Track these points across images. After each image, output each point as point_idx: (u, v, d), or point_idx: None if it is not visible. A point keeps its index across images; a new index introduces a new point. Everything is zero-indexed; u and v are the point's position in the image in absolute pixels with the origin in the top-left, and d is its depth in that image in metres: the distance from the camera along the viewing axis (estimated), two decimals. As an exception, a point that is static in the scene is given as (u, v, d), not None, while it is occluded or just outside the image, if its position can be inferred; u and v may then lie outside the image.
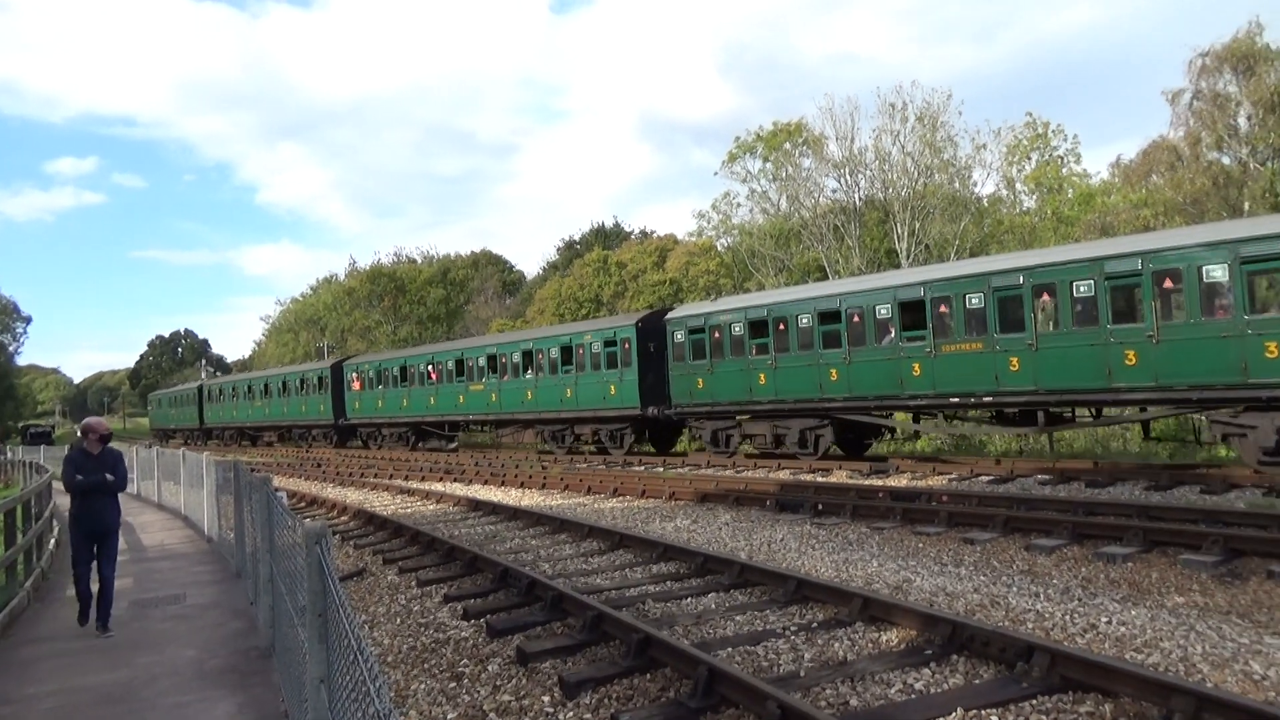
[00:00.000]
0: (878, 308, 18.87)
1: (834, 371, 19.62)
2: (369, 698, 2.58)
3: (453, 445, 35.53)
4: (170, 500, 18.75)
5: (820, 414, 20.26)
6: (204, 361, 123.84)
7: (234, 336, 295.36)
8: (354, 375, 39.20)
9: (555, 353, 27.62)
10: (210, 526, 13.52)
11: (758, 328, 21.52)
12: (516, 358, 29.45)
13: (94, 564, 8.28)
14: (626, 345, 24.97)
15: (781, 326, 20.89)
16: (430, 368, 33.83)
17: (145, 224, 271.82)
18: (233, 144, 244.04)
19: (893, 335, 18.61)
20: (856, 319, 19.31)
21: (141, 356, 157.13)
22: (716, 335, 22.41)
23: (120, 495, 8.83)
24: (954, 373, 17.62)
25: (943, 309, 17.84)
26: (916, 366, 18.13)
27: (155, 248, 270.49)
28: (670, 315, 24.43)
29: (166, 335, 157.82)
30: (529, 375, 28.75)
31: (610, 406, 25.40)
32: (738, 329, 21.90)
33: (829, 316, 19.93)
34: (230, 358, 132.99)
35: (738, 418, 22.36)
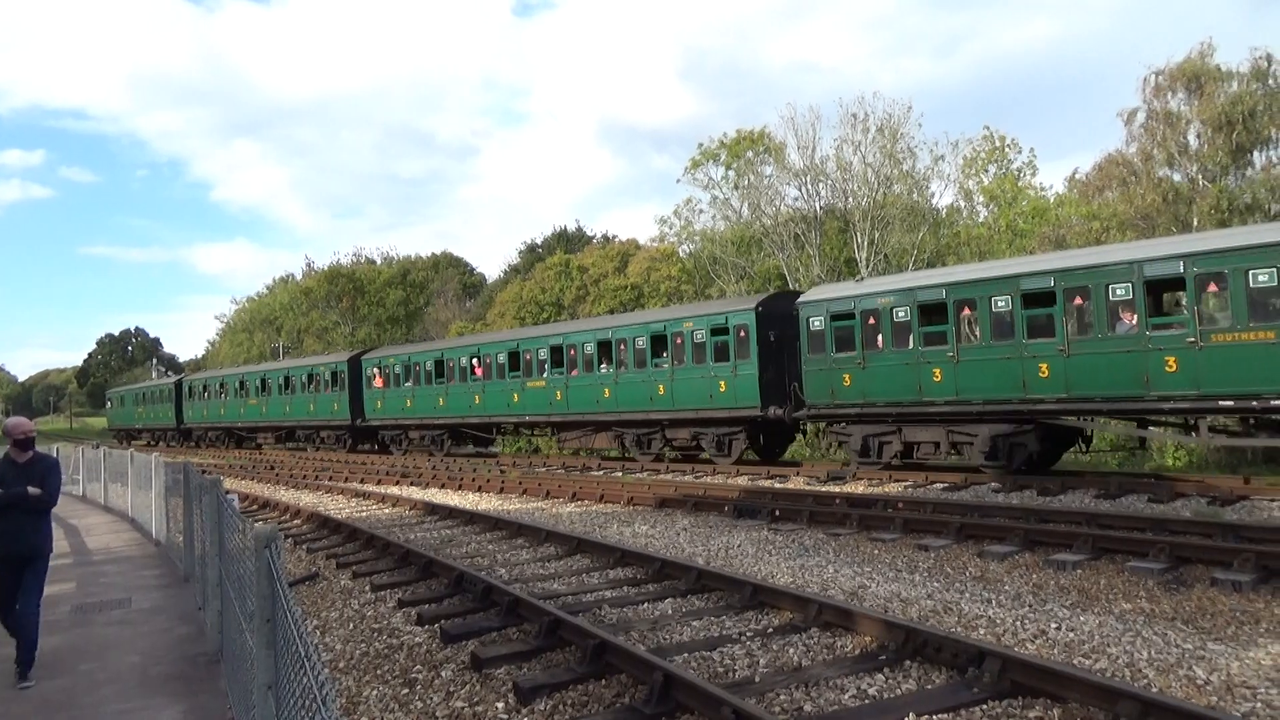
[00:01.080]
0: (1112, 287, 15.22)
1: (1044, 367, 16.04)
2: (318, 705, 2.52)
3: (493, 450, 32.61)
4: (117, 502, 18.34)
5: (1022, 419, 16.77)
6: (155, 361, 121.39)
7: (186, 336, 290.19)
8: (375, 371, 34.76)
9: (643, 342, 23.58)
10: (158, 529, 13.23)
11: (931, 312, 17.94)
12: (589, 348, 25.02)
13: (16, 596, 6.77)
14: (743, 333, 21.06)
15: (967, 310, 17.37)
16: (474, 361, 29.68)
17: (95, 220, 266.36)
18: (187, 140, 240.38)
19: (1133, 321, 15.11)
20: (1079, 301, 15.75)
21: (90, 355, 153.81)
22: (872, 322, 18.63)
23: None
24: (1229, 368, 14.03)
25: (1212, 286, 14.39)
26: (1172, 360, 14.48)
27: (105, 244, 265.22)
28: (805, 299, 20.48)
29: (116, 333, 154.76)
30: (605, 369, 24.56)
31: (719, 406, 21.61)
32: (902, 314, 18.12)
33: (1038, 299, 16.29)
34: (183, 357, 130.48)
35: (898, 422, 18.62)
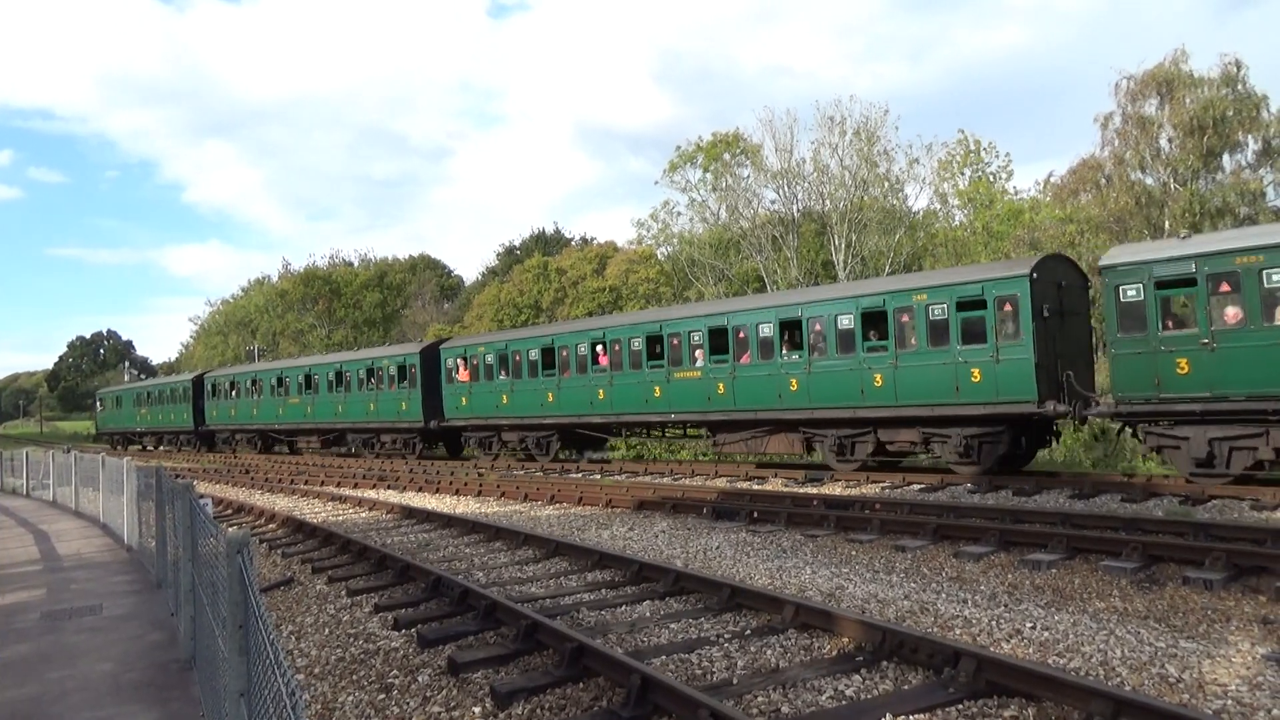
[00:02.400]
0: None
1: None
2: (288, 712, 2.50)
3: (607, 454, 28.44)
4: (88, 507, 18.09)
5: None
6: (127, 363, 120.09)
7: (160, 338, 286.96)
8: (458, 362, 29.14)
9: (849, 320, 18.72)
10: (130, 534, 13.06)
11: None
12: (767, 329, 20.17)
13: None
14: (1008, 306, 16.65)
15: None
16: (599, 349, 24.53)
17: (64, 221, 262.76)
18: (157, 140, 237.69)
19: None
20: None
21: (61, 358, 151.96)
22: (1225, 288, 14.30)
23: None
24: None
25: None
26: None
27: (75, 245, 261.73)
28: (1112, 259, 15.53)
29: (88, 336, 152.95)
30: (790, 356, 19.71)
31: (969, 401, 16.91)
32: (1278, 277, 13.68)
33: None
34: (155, 360, 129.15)
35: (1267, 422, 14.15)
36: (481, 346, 28.65)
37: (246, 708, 3.70)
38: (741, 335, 20.89)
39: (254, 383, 40.88)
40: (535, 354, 26.38)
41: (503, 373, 27.40)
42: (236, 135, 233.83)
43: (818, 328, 19.36)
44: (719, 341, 21.34)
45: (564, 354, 25.60)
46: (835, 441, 19.30)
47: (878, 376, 18.21)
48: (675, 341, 22.40)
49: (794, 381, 19.57)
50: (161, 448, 52.57)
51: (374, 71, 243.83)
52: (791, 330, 20.09)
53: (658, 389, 22.62)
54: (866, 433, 18.88)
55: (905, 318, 18.04)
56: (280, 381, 38.80)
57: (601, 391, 24.18)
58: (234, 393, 42.49)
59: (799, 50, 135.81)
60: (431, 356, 30.43)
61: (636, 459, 28.31)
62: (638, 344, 23.30)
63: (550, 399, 25.78)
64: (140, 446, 54.82)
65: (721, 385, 21.09)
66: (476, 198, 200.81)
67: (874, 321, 18.67)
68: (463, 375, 28.89)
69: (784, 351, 19.92)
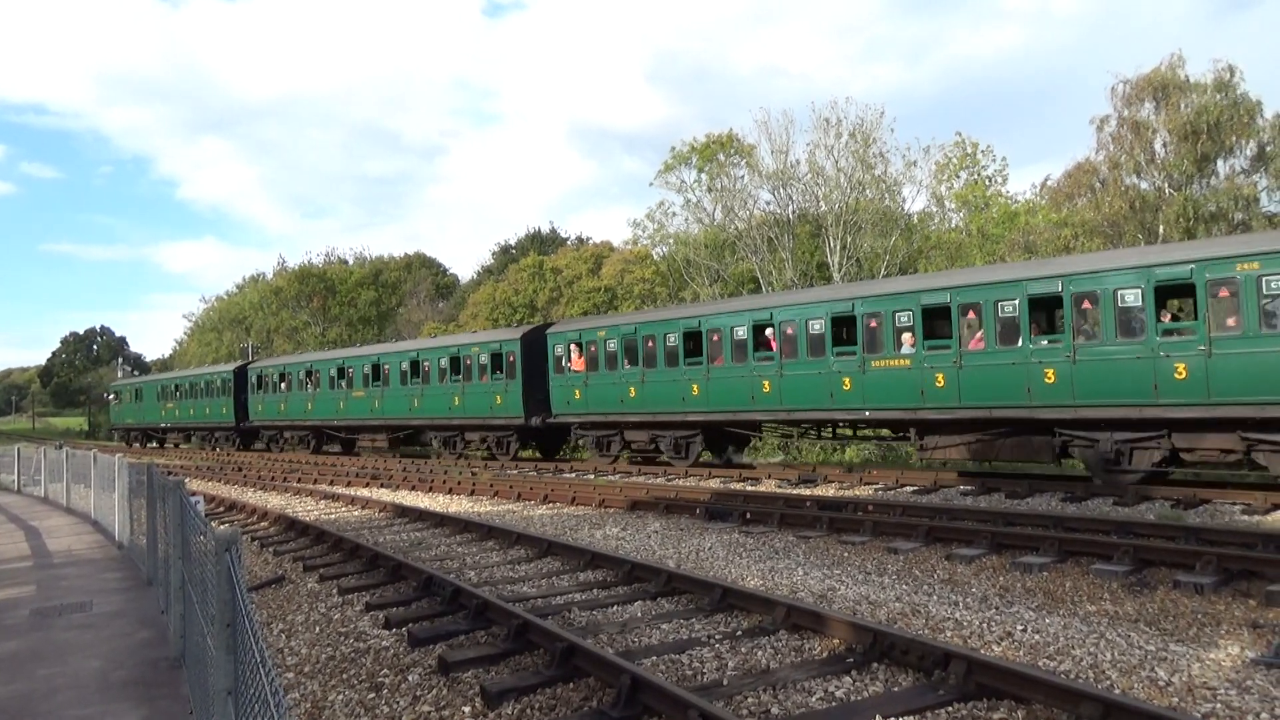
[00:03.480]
0: None
1: None
2: (273, 712, 2.49)
3: (748, 461, 24.10)
4: (80, 504, 18.03)
5: None
6: (121, 360, 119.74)
7: (153, 335, 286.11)
8: (569, 349, 24.95)
9: (1134, 297, 14.48)
10: (121, 532, 13.02)
11: None
12: (1010, 309, 16.03)
13: None
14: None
15: None
16: (769, 333, 20.16)
17: (57, 216, 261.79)
18: (152, 137, 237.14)
19: None
20: None
21: (54, 354, 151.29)
22: None
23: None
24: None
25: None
26: None
27: (68, 241, 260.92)
28: None
29: (81, 332, 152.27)
30: (1043, 341, 15.75)
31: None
32: None
33: None
34: (149, 356, 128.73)
35: None
36: (601, 331, 24.24)
37: (234, 706, 3.68)
38: (971, 315, 16.74)
39: (309, 374, 36.41)
40: (674, 339, 22.09)
41: (628, 361, 23.19)
42: (232, 132, 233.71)
43: (1087, 305, 15.22)
44: (937, 324, 17.39)
45: (714, 339, 21.26)
46: (1110, 446, 15.11)
47: (1180, 366, 13.89)
48: (874, 324, 18.17)
49: (1050, 372, 15.38)
50: (185, 445, 49.23)
51: (369, 70, 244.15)
52: (1045, 309, 16.84)
53: (847, 381, 18.48)
54: (1156, 436, 14.67)
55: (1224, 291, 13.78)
56: (341, 373, 34.24)
57: (767, 384, 19.93)
58: (283, 385, 37.92)
59: (795, 51, 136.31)
60: (534, 343, 26.22)
61: (787, 464, 23.61)
62: (818, 326, 19.09)
63: (695, 392, 21.48)
64: (161, 444, 51.37)
65: (941, 377, 16.95)
66: (472, 196, 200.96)
67: (1174, 295, 15.10)
68: (576, 364, 24.61)
69: (1033, 335, 15.94)
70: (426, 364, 30.01)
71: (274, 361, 41.84)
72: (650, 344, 22.79)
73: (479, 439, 28.71)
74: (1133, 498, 14.09)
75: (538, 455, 28.89)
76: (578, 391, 24.54)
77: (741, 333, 20.68)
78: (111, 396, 58.62)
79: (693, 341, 21.95)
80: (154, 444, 52.25)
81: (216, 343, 77.16)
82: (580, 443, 26.52)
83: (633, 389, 22.95)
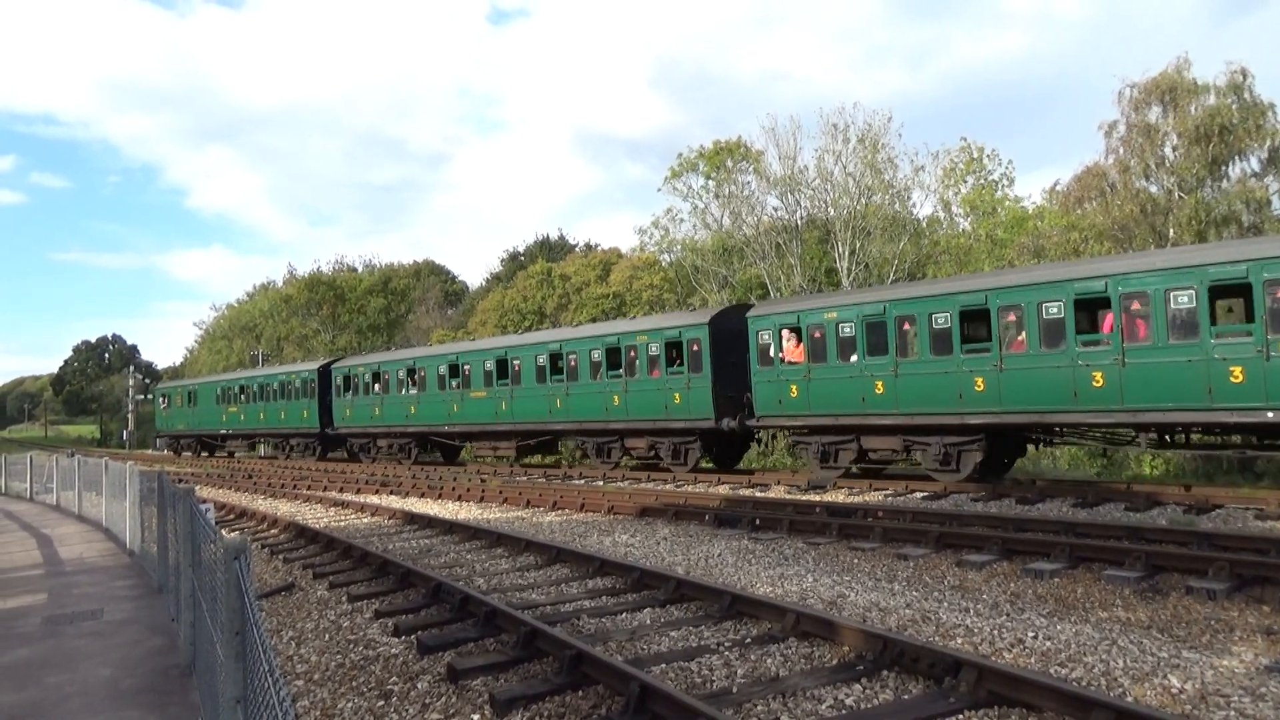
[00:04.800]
0: None
1: None
2: (282, 720, 2.49)
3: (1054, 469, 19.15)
4: (91, 511, 18.10)
5: None
6: (132, 368, 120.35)
7: (164, 343, 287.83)
8: (784, 335, 19.98)
9: None
10: (132, 539, 13.07)
11: None
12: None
13: None
14: None
15: None
16: (1103, 313, 15.54)
17: (67, 225, 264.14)
18: (159, 145, 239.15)
19: None
20: None
21: (66, 362, 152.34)
22: None
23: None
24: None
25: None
26: None
27: (78, 250, 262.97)
28: None
29: (93, 340, 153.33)
30: None
31: None
32: None
33: None
34: (160, 364, 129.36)
35: None
36: (831, 312, 19.13)
37: (243, 714, 3.69)
38: None
39: (411, 373, 31.56)
40: (945, 319, 17.06)
41: (871, 350, 18.37)
42: (237, 141, 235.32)
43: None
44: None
45: (1011, 317, 16.37)
46: None
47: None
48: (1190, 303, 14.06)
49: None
50: (247, 455, 44.89)
51: (373, 77, 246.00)
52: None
53: (1242, 369, 13.63)
54: None
55: None
56: (455, 370, 29.58)
57: (1099, 376, 15.02)
58: (377, 386, 32.97)
59: (797, 56, 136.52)
60: (727, 328, 21.64)
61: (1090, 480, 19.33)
62: (1185, 299, 14.06)
63: (979, 387, 16.56)
64: (222, 452, 46.50)
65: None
66: (477, 204, 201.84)
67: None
68: (793, 353, 19.78)
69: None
70: (573, 357, 25.00)
71: (366, 359, 36.11)
72: (907, 327, 17.90)
73: (646, 445, 23.53)
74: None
75: (712, 465, 23.80)
76: (793, 388, 19.49)
77: (1056, 309, 15.60)
78: (160, 400, 52.06)
79: (977, 322, 16.97)
80: (205, 453, 47.26)
81: (227, 350, 77.55)
82: (792, 450, 21.78)
83: (879, 384, 18.13)
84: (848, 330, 18.81)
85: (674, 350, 22.57)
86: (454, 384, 29.60)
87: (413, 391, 31.32)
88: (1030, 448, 19.04)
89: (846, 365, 18.80)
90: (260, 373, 43.11)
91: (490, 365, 28.01)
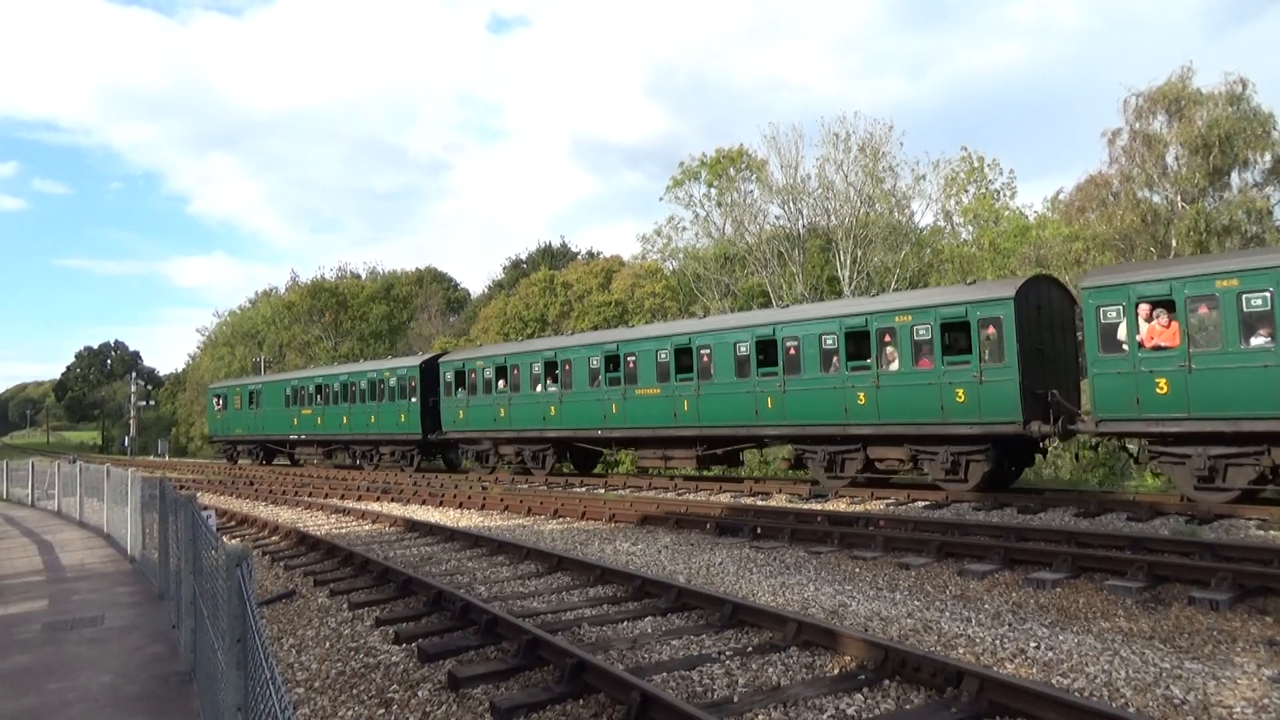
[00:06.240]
0: None
1: None
2: (283, 728, 2.49)
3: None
4: (92, 518, 18.11)
5: None
6: (134, 374, 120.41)
7: (167, 349, 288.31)
8: (1138, 311, 14.71)
9: None
10: (134, 545, 13.07)
11: None
12: None
13: None
14: None
15: None
16: None
17: (69, 232, 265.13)
18: (160, 152, 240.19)
19: None
20: None
21: (68, 368, 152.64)
22: None
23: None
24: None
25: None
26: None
27: (81, 256, 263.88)
28: None
29: (95, 346, 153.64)
30: None
31: None
32: None
33: None
34: (163, 370, 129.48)
35: None
36: (1230, 279, 13.84)
37: (244, 722, 3.69)
38: None
39: (551, 367, 25.93)
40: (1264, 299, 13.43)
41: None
42: (238, 148, 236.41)
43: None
44: None
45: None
46: None
47: None
48: None
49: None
50: (318, 462, 38.82)
51: (374, 85, 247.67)
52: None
53: None
54: None
55: None
56: (614, 362, 24.10)
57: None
58: (502, 382, 27.66)
59: (795, 65, 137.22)
60: (1033, 304, 17.16)
61: None
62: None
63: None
64: (282, 460, 41.85)
65: None
66: (478, 211, 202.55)
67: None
68: (1163, 334, 14.53)
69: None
70: (792, 343, 19.62)
71: (486, 351, 30.68)
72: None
73: (903, 456, 18.22)
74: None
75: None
76: (1162, 382, 14.39)
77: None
78: (214, 401, 46.09)
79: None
80: (260, 459, 42.36)
81: (229, 357, 77.60)
82: (1152, 462, 15.54)
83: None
84: (1259, 304, 13.61)
85: (954, 331, 17.65)
86: (611, 379, 23.97)
87: (552, 389, 25.70)
88: (1038, 457, 18.50)
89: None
90: (343, 370, 37.71)
91: (666, 355, 22.45)
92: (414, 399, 31.21)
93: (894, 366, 17.80)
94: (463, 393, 28.97)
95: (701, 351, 21.53)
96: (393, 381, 32.59)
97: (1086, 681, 6.23)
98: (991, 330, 16.71)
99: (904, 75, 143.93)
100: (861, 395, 18.09)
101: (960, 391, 16.89)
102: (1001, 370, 16.42)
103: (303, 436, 38.10)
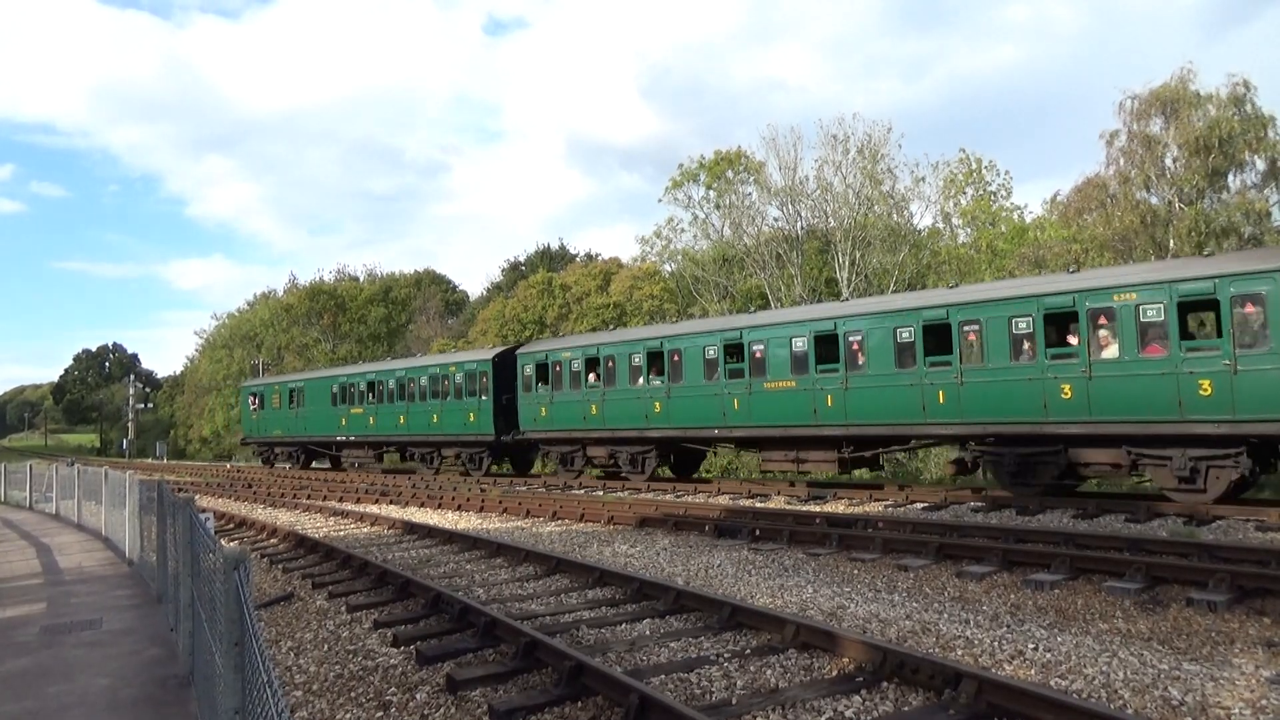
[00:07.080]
0: None
1: None
2: (280, 731, 2.49)
3: None
4: (90, 521, 18.09)
5: None
6: (133, 377, 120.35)
7: (165, 352, 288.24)
8: None
9: None
10: (132, 548, 13.05)
11: None
12: None
13: None
14: None
15: None
16: None
17: (67, 234, 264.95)
18: (158, 155, 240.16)
19: None
20: None
21: (66, 371, 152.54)
22: None
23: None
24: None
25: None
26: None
27: (78, 259, 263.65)
28: None
29: (93, 349, 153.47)
30: None
31: None
32: None
33: None
34: (161, 373, 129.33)
35: None
36: None
37: (241, 725, 3.69)
38: None
39: (654, 358, 23.01)
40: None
41: None
42: (236, 150, 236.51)
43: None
44: None
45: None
46: None
47: None
48: None
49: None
50: (368, 465, 35.51)
51: (371, 87, 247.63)
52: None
53: None
54: None
55: None
56: (735, 352, 21.29)
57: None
58: (592, 376, 24.52)
59: (791, 66, 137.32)
60: None
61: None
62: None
63: None
64: (323, 464, 38.60)
65: None
66: (477, 213, 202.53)
67: None
68: None
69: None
70: (971, 328, 16.87)
71: (570, 342, 27.00)
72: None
73: (1117, 458, 15.37)
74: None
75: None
76: None
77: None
78: (250, 400, 41.96)
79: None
80: (294, 463, 38.75)
81: (227, 359, 77.55)
82: None
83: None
84: None
85: (1197, 313, 16.22)
86: (732, 371, 21.11)
87: (656, 382, 22.78)
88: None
89: None
90: (399, 365, 33.46)
91: (803, 343, 19.59)
92: (485, 396, 27.84)
93: (1110, 353, 15.08)
94: (544, 388, 25.92)
95: (850, 338, 18.81)
96: (459, 377, 29.07)
97: (1085, 683, 6.23)
98: (1251, 309, 13.81)
99: (901, 77, 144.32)
100: (1067, 387, 15.38)
101: (1206, 383, 14.10)
102: (1265, 358, 13.48)
103: (351, 438, 34.48)
